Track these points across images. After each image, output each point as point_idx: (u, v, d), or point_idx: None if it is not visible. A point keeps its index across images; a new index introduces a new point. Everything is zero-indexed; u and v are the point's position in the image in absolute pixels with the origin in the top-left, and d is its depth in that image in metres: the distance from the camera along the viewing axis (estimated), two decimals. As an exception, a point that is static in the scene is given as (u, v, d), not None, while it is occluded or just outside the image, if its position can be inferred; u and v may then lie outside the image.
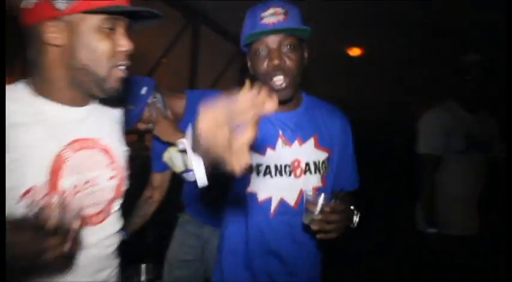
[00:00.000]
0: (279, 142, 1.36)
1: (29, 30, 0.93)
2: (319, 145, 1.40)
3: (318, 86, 4.22)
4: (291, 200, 1.37)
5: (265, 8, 1.25)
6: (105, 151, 1.07)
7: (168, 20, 4.74)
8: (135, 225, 2.02)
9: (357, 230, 1.33)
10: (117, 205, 1.11)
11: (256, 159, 1.34)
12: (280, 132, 1.36)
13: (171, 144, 1.78)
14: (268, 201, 1.36)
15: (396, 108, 7.06)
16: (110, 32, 0.93)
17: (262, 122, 1.26)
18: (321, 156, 1.40)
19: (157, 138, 1.93)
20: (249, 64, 1.36)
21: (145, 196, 2.07)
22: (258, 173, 1.35)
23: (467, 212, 2.23)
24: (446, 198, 2.20)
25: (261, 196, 1.36)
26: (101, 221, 1.05)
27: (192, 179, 1.90)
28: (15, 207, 0.87)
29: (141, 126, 1.71)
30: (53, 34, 0.91)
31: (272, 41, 1.24)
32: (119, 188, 1.10)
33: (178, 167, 1.88)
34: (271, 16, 1.22)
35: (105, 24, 0.92)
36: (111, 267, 1.11)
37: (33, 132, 0.92)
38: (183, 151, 1.65)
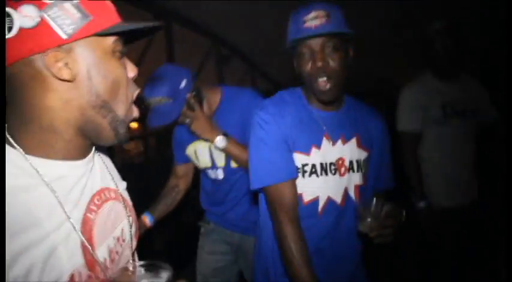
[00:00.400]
0: (324, 140, 1.37)
1: (18, 67, 0.69)
2: (360, 144, 1.43)
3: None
4: (338, 199, 1.38)
5: (307, 11, 1.26)
6: (120, 197, 0.92)
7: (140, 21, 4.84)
8: (162, 212, 2.02)
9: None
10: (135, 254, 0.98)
11: (302, 159, 1.34)
12: (326, 131, 1.37)
13: (197, 138, 1.81)
14: (316, 201, 1.37)
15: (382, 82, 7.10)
16: (121, 57, 0.77)
17: (307, 121, 1.35)
18: (363, 155, 1.42)
19: (180, 130, 1.96)
20: (295, 65, 1.37)
21: (170, 185, 2.08)
22: (303, 174, 1.35)
23: (458, 182, 2.18)
24: (434, 171, 2.18)
25: (307, 197, 1.36)
26: None
27: (213, 177, 1.92)
28: None
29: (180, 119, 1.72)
30: (60, 66, 0.70)
31: (315, 43, 1.25)
32: (137, 234, 0.98)
33: (204, 162, 1.91)
34: (314, 19, 1.23)
35: (118, 46, 0.75)
36: None
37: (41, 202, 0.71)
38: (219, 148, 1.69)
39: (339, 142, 1.38)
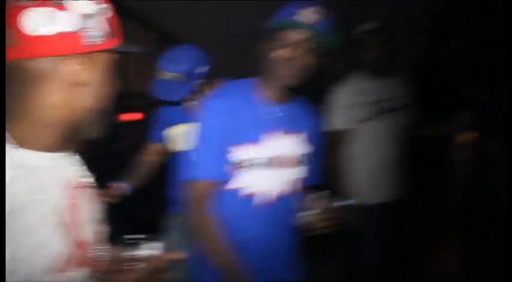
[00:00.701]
0: (268, 134, 1.39)
1: (37, 62, 0.74)
2: (303, 139, 1.48)
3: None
4: (277, 192, 1.41)
5: (309, 5, 1.31)
6: (90, 186, 0.98)
7: None
8: (138, 181, 2.08)
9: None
10: None
11: (243, 153, 1.35)
12: (270, 125, 1.39)
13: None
14: (256, 194, 1.39)
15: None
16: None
17: (252, 114, 1.36)
18: (304, 149, 1.48)
19: (169, 112, 2.01)
20: (264, 48, 1.38)
21: (144, 159, 2.13)
22: (245, 167, 1.36)
23: (382, 180, 2.22)
24: (360, 169, 2.20)
25: (248, 190, 1.38)
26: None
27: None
28: None
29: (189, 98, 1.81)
30: (81, 70, 0.78)
31: (304, 34, 1.29)
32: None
33: (179, 144, 1.95)
34: (314, 14, 1.29)
35: (117, 60, 0.86)
36: None
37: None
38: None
39: (283, 136, 1.42)
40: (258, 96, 1.40)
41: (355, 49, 2.17)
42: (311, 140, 1.51)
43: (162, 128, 2.05)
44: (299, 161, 1.45)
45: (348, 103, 2.16)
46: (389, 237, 2.24)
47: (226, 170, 1.34)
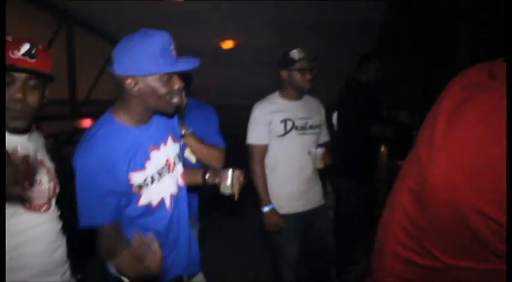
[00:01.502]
0: (151, 151, 1.47)
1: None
2: (174, 139, 1.64)
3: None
4: (175, 191, 1.57)
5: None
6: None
7: (41, 24, 4.61)
8: None
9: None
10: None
11: (140, 176, 1.41)
12: (148, 143, 1.47)
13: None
14: (163, 201, 1.51)
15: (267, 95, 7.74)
16: None
17: (129, 143, 1.36)
18: (177, 147, 1.65)
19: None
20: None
21: None
22: (146, 186, 1.43)
23: (299, 190, 2.48)
24: (276, 179, 2.45)
25: (155, 201, 1.47)
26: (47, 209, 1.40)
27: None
28: None
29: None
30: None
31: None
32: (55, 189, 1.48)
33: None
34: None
35: None
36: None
37: None
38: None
39: (162, 146, 1.52)
40: (123, 124, 1.40)
41: (286, 74, 2.43)
42: (178, 136, 1.69)
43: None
44: (178, 159, 1.63)
45: (265, 120, 2.42)
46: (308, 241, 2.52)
47: (112, 213, 1.36)
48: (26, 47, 1.23)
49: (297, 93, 2.48)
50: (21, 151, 0.99)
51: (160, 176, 1.48)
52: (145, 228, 1.39)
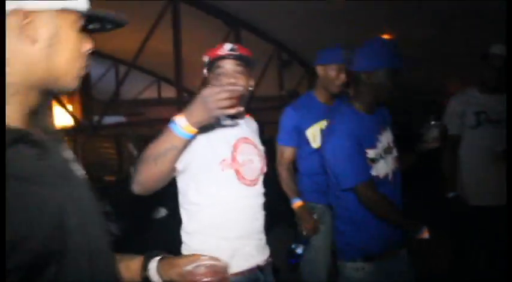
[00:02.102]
0: (379, 136, 1.76)
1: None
2: (387, 127, 1.86)
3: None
4: (395, 169, 1.78)
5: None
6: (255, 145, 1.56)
7: (211, 29, 5.37)
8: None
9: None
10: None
11: (372, 152, 1.69)
12: (379, 127, 1.77)
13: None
14: (387, 175, 1.74)
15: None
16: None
17: (367, 121, 1.70)
18: (390, 134, 1.86)
19: (296, 115, 2.21)
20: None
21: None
22: (377, 160, 1.70)
23: (485, 183, 2.34)
24: (466, 169, 2.40)
25: (382, 174, 1.71)
26: (254, 185, 1.52)
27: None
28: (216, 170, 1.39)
29: None
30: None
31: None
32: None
33: (317, 141, 2.18)
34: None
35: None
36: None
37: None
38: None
39: (384, 131, 1.76)
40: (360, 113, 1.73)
41: (482, 66, 2.39)
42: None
43: (300, 131, 2.21)
44: (392, 145, 1.82)
45: (458, 111, 2.41)
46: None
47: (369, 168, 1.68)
48: (229, 45, 1.48)
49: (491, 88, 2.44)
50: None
51: (385, 154, 1.74)
52: None
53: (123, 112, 8.10)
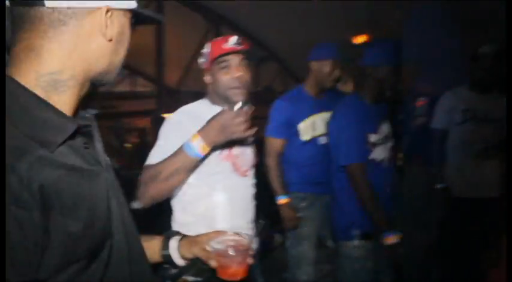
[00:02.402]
0: (378, 125, 1.94)
1: None
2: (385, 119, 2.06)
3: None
4: (389, 155, 1.98)
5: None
6: None
7: (192, 25, 5.61)
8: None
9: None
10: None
11: (373, 137, 1.87)
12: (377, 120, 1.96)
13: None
14: (383, 160, 1.91)
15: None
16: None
17: (369, 115, 1.87)
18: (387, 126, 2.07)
19: (290, 108, 2.26)
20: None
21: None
22: (376, 145, 1.89)
23: (465, 176, 2.45)
24: (451, 162, 2.52)
25: (379, 158, 1.90)
26: (247, 175, 1.55)
27: (322, 143, 2.24)
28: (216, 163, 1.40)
29: None
30: None
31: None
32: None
33: (320, 130, 2.26)
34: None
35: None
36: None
37: None
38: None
39: (383, 122, 1.96)
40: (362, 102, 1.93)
41: (473, 64, 2.46)
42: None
43: (292, 124, 2.26)
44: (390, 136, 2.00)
45: (447, 108, 2.52)
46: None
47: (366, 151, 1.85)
48: (234, 38, 1.47)
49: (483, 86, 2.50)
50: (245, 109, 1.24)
51: (385, 142, 1.92)
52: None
53: (96, 105, 7.98)
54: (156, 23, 0.83)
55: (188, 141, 1.25)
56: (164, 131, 1.45)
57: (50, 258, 0.56)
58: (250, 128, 1.25)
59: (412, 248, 2.52)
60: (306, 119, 2.22)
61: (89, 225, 0.61)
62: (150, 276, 0.81)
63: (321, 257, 2.28)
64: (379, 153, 1.90)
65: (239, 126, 1.22)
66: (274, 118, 2.28)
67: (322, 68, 2.21)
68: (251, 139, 1.60)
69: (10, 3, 0.64)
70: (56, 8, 0.64)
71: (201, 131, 1.25)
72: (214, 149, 1.33)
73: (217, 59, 1.47)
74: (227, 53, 1.46)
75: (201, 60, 1.55)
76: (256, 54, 1.60)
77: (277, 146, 2.26)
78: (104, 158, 0.76)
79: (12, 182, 0.54)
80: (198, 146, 1.24)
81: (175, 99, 5.54)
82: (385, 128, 1.95)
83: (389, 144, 1.98)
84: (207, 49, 1.53)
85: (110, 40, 0.70)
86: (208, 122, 1.27)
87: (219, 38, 1.52)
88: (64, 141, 0.64)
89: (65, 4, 0.64)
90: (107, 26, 0.68)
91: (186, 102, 1.55)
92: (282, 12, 5.11)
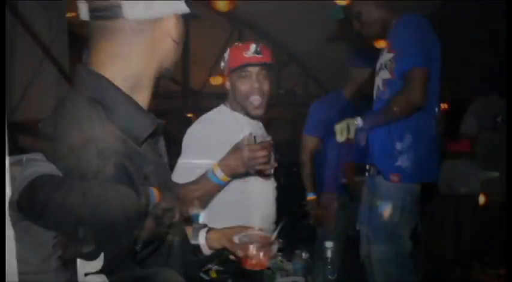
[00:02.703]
0: None
1: None
2: None
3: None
4: None
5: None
6: None
7: (218, 27, 5.38)
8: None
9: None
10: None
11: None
12: None
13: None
14: None
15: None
16: None
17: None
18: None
19: (325, 109, 2.41)
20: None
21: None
22: None
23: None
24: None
25: None
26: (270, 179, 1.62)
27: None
28: None
29: None
30: None
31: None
32: None
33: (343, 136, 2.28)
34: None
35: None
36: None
37: None
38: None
39: None
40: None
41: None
42: None
43: (325, 123, 2.31)
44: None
45: (477, 114, 2.73)
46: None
47: None
48: (253, 47, 1.45)
49: None
50: (257, 135, 1.25)
51: None
52: None
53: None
54: (197, 18, 0.91)
55: (210, 171, 1.29)
56: (188, 146, 1.48)
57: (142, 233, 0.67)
58: (269, 162, 1.27)
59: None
60: (342, 122, 2.27)
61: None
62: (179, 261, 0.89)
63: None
64: None
65: (257, 160, 1.24)
66: (311, 117, 2.41)
67: (361, 74, 2.26)
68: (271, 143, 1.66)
69: (90, 17, 0.73)
70: (135, 19, 0.73)
71: (222, 163, 1.28)
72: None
73: (237, 67, 1.49)
74: (246, 64, 1.47)
75: (221, 64, 1.57)
76: (275, 65, 1.60)
77: (312, 144, 2.38)
78: (165, 153, 0.86)
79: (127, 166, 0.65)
80: (220, 176, 1.28)
81: (199, 100, 5.62)
82: None
83: None
84: (227, 55, 1.54)
85: (176, 41, 0.80)
86: (230, 152, 1.29)
87: (239, 45, 1.53)
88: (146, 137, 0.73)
89: (142, 16, 0.73)
90: (175, 30, 0.78)
91: (210, 104, 1.60)
92: (304, 15, 5.10)
